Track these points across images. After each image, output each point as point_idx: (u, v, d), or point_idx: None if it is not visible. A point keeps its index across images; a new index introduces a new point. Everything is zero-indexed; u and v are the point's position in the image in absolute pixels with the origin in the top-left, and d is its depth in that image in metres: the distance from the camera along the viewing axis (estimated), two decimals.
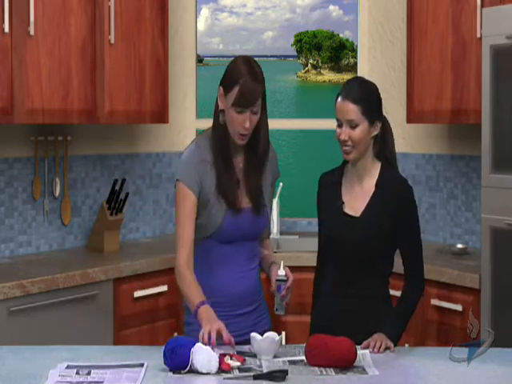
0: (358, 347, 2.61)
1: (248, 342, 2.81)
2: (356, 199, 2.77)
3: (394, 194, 2.72)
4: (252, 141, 2.76)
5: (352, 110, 2.67)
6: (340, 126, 2.71)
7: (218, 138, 2.72)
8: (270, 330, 2.88)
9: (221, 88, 2.69)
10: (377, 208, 2.72)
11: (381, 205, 2.72)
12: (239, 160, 2.79)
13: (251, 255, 2.81)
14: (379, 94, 2.73)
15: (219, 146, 2.72)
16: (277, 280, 2.68)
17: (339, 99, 2.70)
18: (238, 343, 2.79)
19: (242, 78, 2.62)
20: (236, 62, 2.68)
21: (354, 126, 2.68)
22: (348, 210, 2.77)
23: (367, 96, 2.69)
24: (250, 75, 2.62)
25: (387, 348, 2.59)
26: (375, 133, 2.74)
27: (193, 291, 2.63)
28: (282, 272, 2.69)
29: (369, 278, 2.74)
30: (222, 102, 2.69)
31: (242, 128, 2.65)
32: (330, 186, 2.84)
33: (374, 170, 2.78)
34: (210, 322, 2.51)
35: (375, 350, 2.54)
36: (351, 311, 2.75)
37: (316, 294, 2.93)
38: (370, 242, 2.69)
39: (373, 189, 2.76)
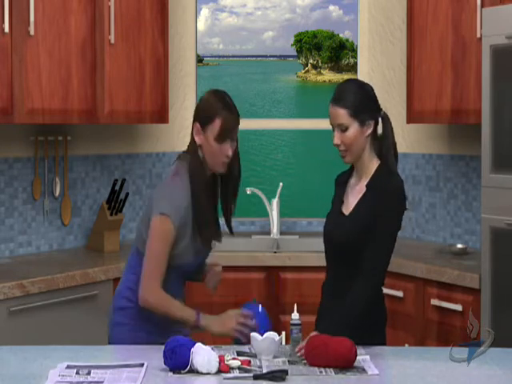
0: (358, 347, 2.61)
1: None
2: (352, 199, 2.79)
3: (381, 195, 2.69)
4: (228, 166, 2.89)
5: (340, 114, 2.70)
6: (334, 130, 2.73)
7: (199, 173, 2.79)
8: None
9: (197, 124, 2.79)
10: (363, 208, 2.71)
11: (368, 205, 2.70)
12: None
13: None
14: (370, 93, 2.72)
15: (201, 183, 2.79)
16: (291, 324, 2.55)
17: (330, 105, 2.75)
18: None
19: (220, 111, 2.76)
20: (208, 97, 2.80)
21: (344, 130, 2.71)
22: (344, 209, 2.78)
23: (354, 97, 2.69)
24: (227, 108, 2.76)
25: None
26: (369, 132, 2.73)
27: (182, 309, 2.72)
28: (295, 315, 2.56)
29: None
30: (200, 137, 2.80)
31: (225, 157, 2.78)
32: (341, 185, 2.88)
33: (371, 170, 2.78)
34: (223, 322, 2.71)
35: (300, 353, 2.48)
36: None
37: (322, 293, 2.93)
38: (354, 241, 2.68)
39: (364, 189, 2.77)
